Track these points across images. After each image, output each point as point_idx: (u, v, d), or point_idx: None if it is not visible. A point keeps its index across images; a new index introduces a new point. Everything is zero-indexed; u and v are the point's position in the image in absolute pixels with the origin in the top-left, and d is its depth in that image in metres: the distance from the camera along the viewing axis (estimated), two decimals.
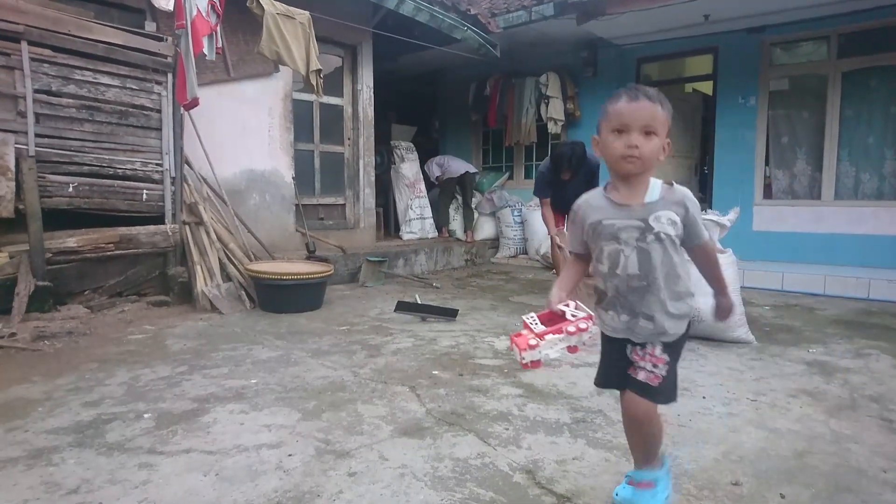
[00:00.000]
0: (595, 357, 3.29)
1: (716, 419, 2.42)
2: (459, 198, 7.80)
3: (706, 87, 7.47)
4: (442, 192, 7.72)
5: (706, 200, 6.90)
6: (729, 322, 3.53)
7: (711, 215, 3.75)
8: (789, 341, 3.73)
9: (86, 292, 4.15)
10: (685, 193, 1.59)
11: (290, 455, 2.03)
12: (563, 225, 5.01)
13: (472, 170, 7.79)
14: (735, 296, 3.59)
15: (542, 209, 4.87)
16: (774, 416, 2.46)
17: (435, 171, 7.70)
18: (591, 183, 4.67)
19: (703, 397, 2.67)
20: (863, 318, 4.52)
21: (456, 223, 7.77)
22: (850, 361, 3.29)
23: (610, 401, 2.60)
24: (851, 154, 5.92)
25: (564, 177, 4.64)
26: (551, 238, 4.86)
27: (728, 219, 3.71)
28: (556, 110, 7.32)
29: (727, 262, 3.64)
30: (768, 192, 6.39)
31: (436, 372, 2.99)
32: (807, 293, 5.53)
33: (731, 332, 3.59)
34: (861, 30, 5.73)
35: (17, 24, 3.77)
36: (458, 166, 7.59)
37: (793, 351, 3.50)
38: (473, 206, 7.89)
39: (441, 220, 7.74)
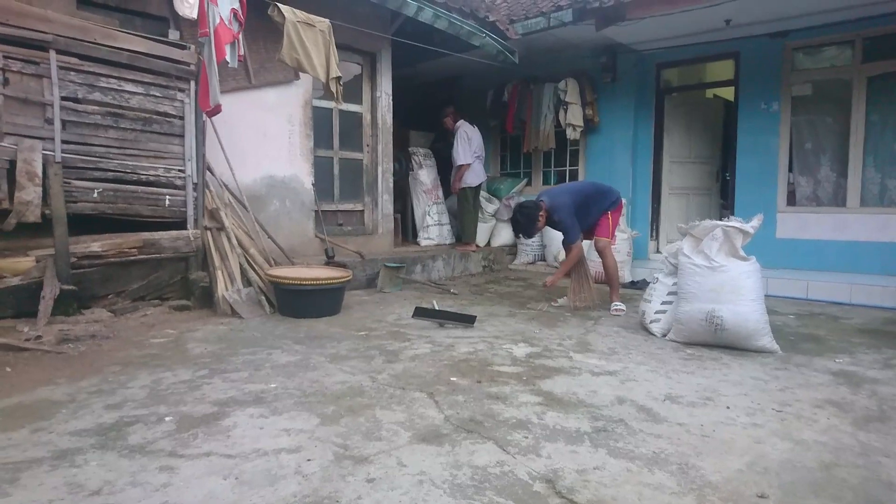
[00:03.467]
0: (616, 365, 3.28)
1: (740, 430, 2.38)
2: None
3: (727, 93, 7.39)
4: (465, 202, 7.24)
5: (728, 207, 6.81)
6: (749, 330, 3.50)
7: (734, 222, 3.70)
8: (815, 351, 3.66)
9: (109, 296, 4.21)
10: None
11: (308, 460, 2.03)
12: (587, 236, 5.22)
13: (485, 177, 7.52)
14: (758, 304, 3.54)
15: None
16: (800, 427, 2.41)
17: (461, 153, 6.99)
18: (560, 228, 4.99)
19: (727, 407, 2.62)
20: (890, 327, 4.41)
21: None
22: (878, 372, 3.21)
23: (631, 410, 2.57)
24: (877, 160, 5.80)
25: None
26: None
27: (751, 226, 3.66)
28: (574, 116, 7.28)
29: (751, 271, 3.58)
30: (792, 199, 6.28)
31: (454, 378, 2.98)
32: (832, 302, 5.43)
33: (755, 342, 3.53)
34: (886, 33, 5.62)
35: (46, 33, 3.86)
36: (478, 172, 7.19)
37: (818, 361, 3.43)
38: (492, 212, 7.85)
39: (468, 234, 7.26)
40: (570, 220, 4.82)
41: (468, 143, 7.07)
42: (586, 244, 5.42)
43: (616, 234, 5.27)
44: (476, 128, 7.28)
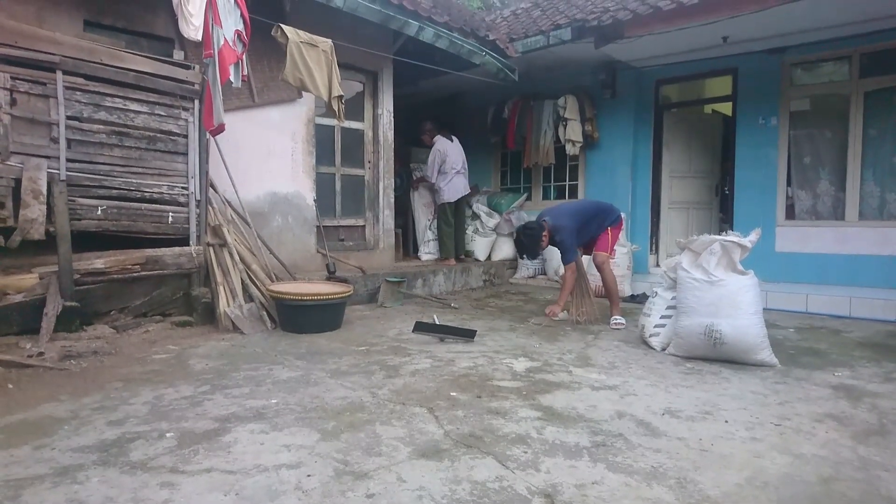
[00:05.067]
0: (616, 379, 3.28)
1: (739, 444, 2.38)
2: (454, 220, 7.30)
3: (726, 108, 7.45)
4: (442, 218, 7.20)
5: (728, 221, 6.84)
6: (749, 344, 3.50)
7: (733, 236, 3.73)
8: (814, 364, 3.66)
9: (112, 312, 4.24)
10: None
11: (308, 475, 2.05)
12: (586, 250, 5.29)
13: (468, 191, 7.36)
14: (757, 318, 3.55)
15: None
16: (799, 441, 2.41)
17: (429, 170, 7.09)
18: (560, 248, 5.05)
19: (726, 421, 2.63)
20: (891, 340, 4.41)
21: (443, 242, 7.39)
22: (878, 385, 3.22)
23: (631, 424, 2.58)
24: (876, 174, 5.83)
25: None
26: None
27: (749, 240, 3.68)
28: (574, 132, 7.35)
29: (749, 285, 3.60)
30: (791, 213, 6.31)
31: (454, 393, 2.99)
32: (832, 315, 5.43)
33: (755, 355, 3.54)
34: (883, 49, 5.68)
35: (54, 55, 3.93)
36: (457, 187, 7.11)
37: (818, 374, 3.43)
38: (493, 226, 7.88)
39: (445, 250, 7.25)
40: (571, 241, 4.88)
41: (441, 162, 7.04)
42: (586, 259, 5.45)
43: (615, 248, 5.30)
44: (456, 142, 7.25)
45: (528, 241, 4.86)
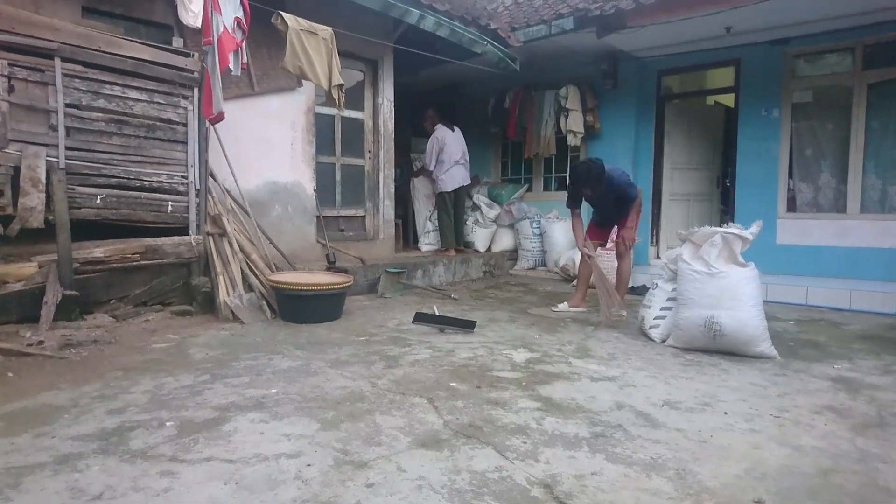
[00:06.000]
0: (615, 371, 3.28)
1: (738, 435, 2.39)
2: (453, 211, 7.29)
3: (728, 100, 7.41)
4: (441, 208, 7.23)
5: (728, 213, 6.83)
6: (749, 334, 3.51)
7: (734, 229, 3.72)
8: (814, 357, 3.66)
9: (111, 301, 4.24)
10: None
11: (308, 465, 2.05)
12: (602, 238, 5.17)
13: (467, 182, 7.37)
14: (757, 310, 3.55)
15: (573, 220, 5.00)
16: (798, 433, 2.42)
17: (427, 157, 7.11)
18: (620, 205, 4.83)
19: (725, 413, 2.63)
20: (890, 333, 4.42)
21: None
22: (877, 378, 3.22)
23: (630, 415, 2.58)
24: (878, 166, 5.82)
25: (585, 192, 4.74)
26: (580, 249, 4.97)
27: (750, 232, 3.67)
28: (575, 123, 7.32)
29: (750, 277, 3.60)
30: (792, 205, 6.30)
31: (453, 384, 2.99)
32: (832, 308, 5.43)
33: (755, 347, 3.54)
34: (887, 41, 5.65)
35: (52, 41, 3.90)
36: (455, 177, 7.09)
37: (817, 367, 3.43)
38: (493, 217, 7.87)
39: (445, 241, 7.23)
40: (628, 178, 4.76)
41: (439, 150, 7.01)
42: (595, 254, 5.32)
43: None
44: (458, 132, 7.21)
45: (597, 171, 4.58)
